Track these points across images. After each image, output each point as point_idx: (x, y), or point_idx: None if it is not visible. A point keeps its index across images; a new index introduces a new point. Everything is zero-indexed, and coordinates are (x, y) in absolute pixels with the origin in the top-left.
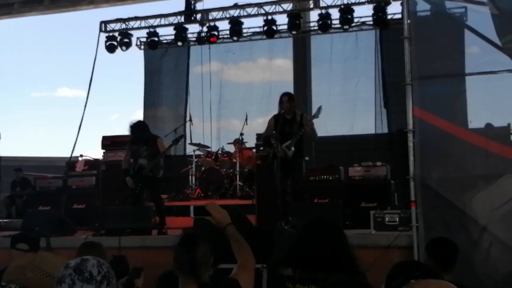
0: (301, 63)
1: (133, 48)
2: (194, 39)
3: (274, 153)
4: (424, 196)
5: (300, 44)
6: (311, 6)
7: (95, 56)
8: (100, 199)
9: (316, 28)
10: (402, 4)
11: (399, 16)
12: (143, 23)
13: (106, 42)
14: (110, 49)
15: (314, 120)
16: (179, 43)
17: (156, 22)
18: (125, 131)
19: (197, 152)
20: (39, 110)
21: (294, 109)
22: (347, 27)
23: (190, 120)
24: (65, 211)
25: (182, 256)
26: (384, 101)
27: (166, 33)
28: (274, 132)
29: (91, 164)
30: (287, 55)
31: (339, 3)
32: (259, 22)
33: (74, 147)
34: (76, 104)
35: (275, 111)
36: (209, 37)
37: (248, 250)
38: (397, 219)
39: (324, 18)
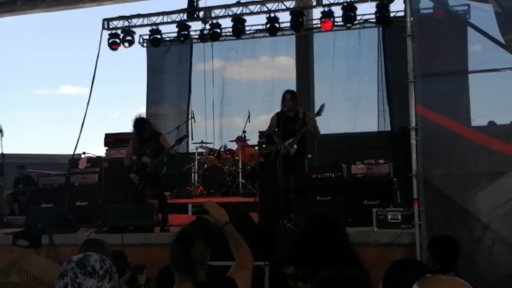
0: (303, 60)
1: (136, 46)
2: (197, 36)
3: (276, 151)
4: (427, 194)
5: (303, 41)
6: (314, 3)
7: (98, 53)
8: (102, 196)
9: (319, 25)
10: (405, 1)
11: (402, 13)
12: (145, 21)
13: (108, 39)
14: (113, 46)
15: (317, 118)
16: (182, 39)
17: (158, 19)
18: (127, 128)
19: (200, 150)
20: (42, 108)
21: (297, 107)
22: (350, 24)
23: (193, 117)
24: (68, 208)
25: (178, 253)
26: (387, 98)
27: (169, 30)
28: (276, 129)
29: (94, 161)
30: (289, 52)
31: (341, 0)
32: (261, 19)
33: (76, 144)
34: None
35: (277, 108)
36: (211, 35)
37: (246, 249)
38: (399, 216)
39: (327, 16)
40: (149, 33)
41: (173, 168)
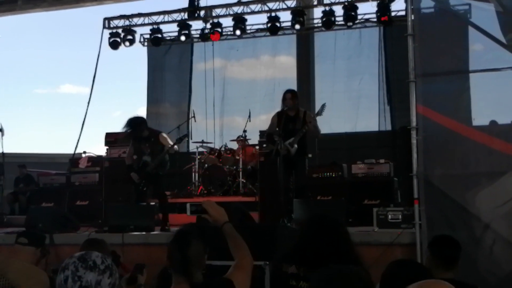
0: (304, 60)
1: (137, 45)
2: (198, 36)
3: (277, 150)
4: (427, 194)
5: (304, 41)
6: (315, 3)
7: (99, 52)
8: (103, 195)
9: (320, 25)
10: (406, 1)
11: (403, 13)
12: (146, 20)
13: (109, 38)
14: (114, 45)
15: (318, 117)
16: (182, 38)
17: (159, 18)
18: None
19: (200, 149)
20: (43, 107)
21: (298, 106)
22: (351, 24)
23: (193, 117)
24: (68, 208)
25: (174, 254)
26: (388, 98)
27: (170, 29)
28: (277, 129)
29: (94, 160)
30: (290, 52)
31: (342, 0)
32: (262, 19)
33: (77, 143)
34: (79, 101)
35: (278, 108)
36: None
37: (245, 249)
38: (400, 216)
39: (328, 15)
40: (149, 32)
41: (173, 167)
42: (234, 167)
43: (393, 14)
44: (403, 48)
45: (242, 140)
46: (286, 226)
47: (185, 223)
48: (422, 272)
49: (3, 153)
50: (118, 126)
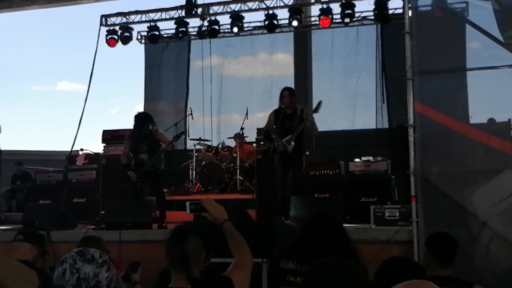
0: (302, 57)
1: (134, 42)
2: (195, 33)
3: (274, 148)
4: (424, 191)
5: (301, 38)
6: (312, 0)
7: (96, 50)
8: (100, 193)
9: (317, 22)
10: None
11: (400, 11)
12: (143, 17)
13: (106, 36)
14: (111, 43)
15: (315, 115)
16: (180, 35)
17: (157, 16)
18: (125, 125)
19: (198, 147)
20: (40, 104)
21: (295, 104)
22: (348, 21)
23: (191, 114)
24: (66, 205)
25: (172, 248)
26: (385, 96)
27: (167, 27)
28: (274, 126)
29: (92, 158)
30: (288, 49)
31: None
32: (260, 16)
33: (74, 141)
34: (77, 98)
35: (275, 105)
36: (209, 32)
37: (245, 247)
38: (397, 214)
39: (325, 13)
40: (147, 29)
41: (171, 164)
42: (232, 164)
43: (390, 12)
44: (400, 46)
45: (239, 137)
46: (284, 224)
47: (182, 220)
48: (416, 269)
49: (0, 151)
50: (115, 123)
